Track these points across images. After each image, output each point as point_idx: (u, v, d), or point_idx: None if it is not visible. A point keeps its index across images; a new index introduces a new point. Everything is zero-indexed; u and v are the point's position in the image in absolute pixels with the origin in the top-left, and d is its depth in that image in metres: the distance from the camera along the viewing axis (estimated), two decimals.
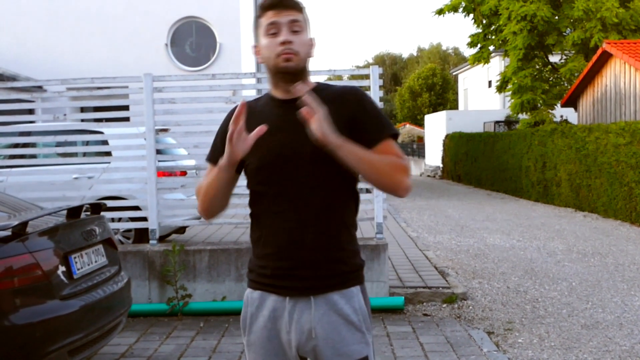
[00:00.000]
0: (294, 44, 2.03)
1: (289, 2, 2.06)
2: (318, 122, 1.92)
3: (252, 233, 2.19)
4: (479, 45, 21.88)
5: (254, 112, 2.13)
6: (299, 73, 2.08)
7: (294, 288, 2.08)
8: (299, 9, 2.08)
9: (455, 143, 25.00)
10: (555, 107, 19.59)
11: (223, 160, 2.01)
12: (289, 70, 2.05)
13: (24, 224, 3.56)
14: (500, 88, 21.24)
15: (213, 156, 2.19)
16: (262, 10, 2.08)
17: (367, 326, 2.15)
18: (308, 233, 2.06)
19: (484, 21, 21.19)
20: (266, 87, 7.08)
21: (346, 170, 2.04)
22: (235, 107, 2.10)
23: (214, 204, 2.15)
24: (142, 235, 7.73)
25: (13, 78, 14.42)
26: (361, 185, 6.36)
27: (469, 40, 22.13)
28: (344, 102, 2.11)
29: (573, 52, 19.31)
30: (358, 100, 2.12)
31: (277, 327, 2.11)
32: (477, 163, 21.93)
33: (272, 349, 2.12)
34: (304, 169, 2.05)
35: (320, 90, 2.13)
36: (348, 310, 2.10)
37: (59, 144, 7.04)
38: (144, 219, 6.69)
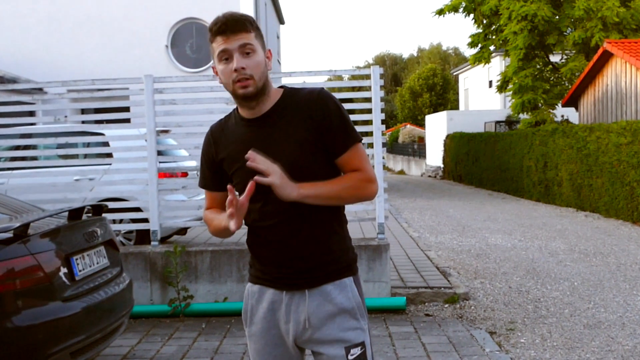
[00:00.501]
0: (247, 68, 2.07)
1: (236, 27, 2.07)
2: (277, 188, 2.01)
3: (247, 240, 2.29)
4: (479, 45, 21.86)
5: (227, 131, 2.24)
6: (259, 94, 2.12)
7: (291, 284, 2.19)
8: (247, 29, 2.08)
9: (456, 143, 24.99)
10: (556, 106, 19.57)
11: (226, 224, 2.06)
12: (247, 95, 2.10)
13: (26, 226, 3.55)
14: (501, 88, 21.22)
15: (205, 183, 2.32)
16: (211, 35, 2.11)
17: (362, 314, 2.23)
18: (297, 243, 2.16)
19: (485, 21, 21.18)
20: None
21: (324, 175, 2.13)
22: (209, 133, 2.29)
23: (223, 237, 2.27)
24: (143, 237, 7.73)
25: (14, 80, 14.43)
26: None
27: (469, 40, 22.11)
28: (310, 107, 2.15)
29: (574, 51, 19.30)
30: (324, 106, 2.15)
31: (276, 318, 2.22)
32: (478, 163, 21.92)
33: (272, 338, 2.23)
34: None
35: (288, 97, 2.19)
36: (342, 299, 2.19)
37: (60, 146, 7.03)
38: (146, 220, 6.68)
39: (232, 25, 2.06)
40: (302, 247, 2.16)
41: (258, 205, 2.15)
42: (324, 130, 2.13)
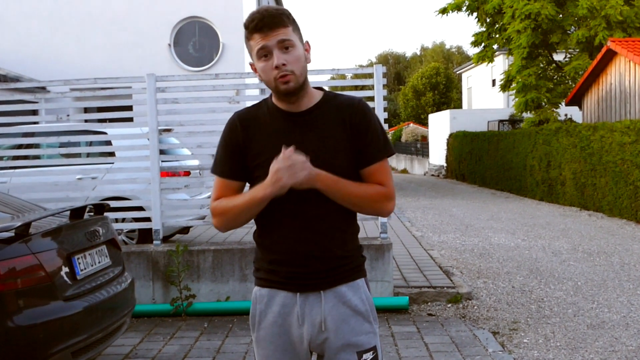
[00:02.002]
0: (288, 64, 2.04)
1: (273, 22, 2.03)
2: (302, 176, 1.99)
3: (258, 237, 2.22)
4: (482, 44, 21.83)
5: (258, 121, 2.17)
6: (300, 89, 2.09)
7: (304, 285, 2.14)
8: (285, 24, 2.05)
9: (459, 142, 24.95)
10: (560, 105, 19.53)
11: (270, 190, 2.00)
12: (289, 91, 2.07)
13: (27, 225, 3.54)
14: (505, 87, 21.18)
15: (222, 170, 2.19)
16: (248, 32, 2.06)
17: (374, 317, 2.22)
18: (315, 240, 2.12)
19: (488, 20, 21.14)
20: None
21: (347, 177, 2.11)
22: (236, 118, 2.19)
23: (243, 223, 2.18)
24: (145, 236, 7.72)
25: (16, 79, 14.44)
26: None
27: (472, 39, 22.08)
28: (351, 113, 2.15)
29: (577, 50, 19.25)
30: (364, 114, 2.16)
31: (288, 322, 2.15)
32: (481, 162, 21.88)
33: (282, 344, 2.16)
34: None
35: (329, 99, 2.18)
36: (356, 301, 2.17)
37: (62, 145, 7.03)
38: (148, 219, 6.68)
39: (269, 21, 2.02)
40: (321, 248, 2.12)
41: (280, 201, 2.08)
42: (361, 137, 2.14)
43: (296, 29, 2.09)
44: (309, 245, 2.11)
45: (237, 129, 2.17)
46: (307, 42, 2.14)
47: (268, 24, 2.02)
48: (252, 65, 2.15)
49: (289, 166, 1.96)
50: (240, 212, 2.11)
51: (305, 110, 2.13)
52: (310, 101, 2.15)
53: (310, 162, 2.01)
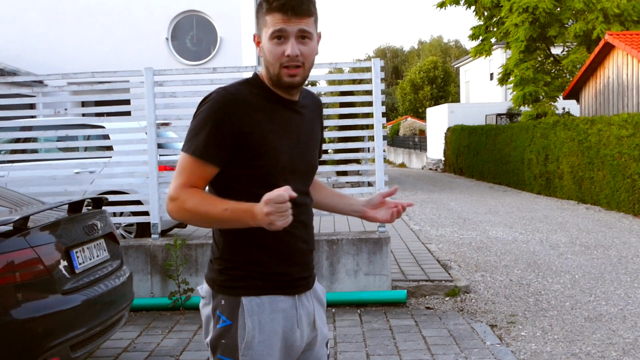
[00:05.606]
0: (301, 56, 1.90)
1: (300, 9, 1.88)
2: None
3: (250, 239, 1.96)
4: (480, 38, 21.80)
5: (253, 104, 1.93)
6: (303, 83, 1.98)
7: (302, 286, 2.06)
8: (310, 13, 1.90)
9: (457, 136, 24.96)
10: (558, 99, 19.53)
11: (258, 224, 1.78)
12: (293, 85, 1.94)
13: (25, 219, 3.54)
14: (502, 80, 21.16)
15: (207, 153, 1.89)
16: (268, 7, 1.89)
17: None
18: (310, 237, 2.09)
19: (486, 13, 21.11)
20: None
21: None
22: (230, 97, 1.91)
23: (202, 226, 1.97)
24: (144, 230, 7.72)
25: (14, 73, 14.40)
26: (363, 178, 6.32)
27: (470, 32, 22.04)
28: (321, 109, 2.20)
29: (575, 43, 19.23)
30: (321, 107, 2.22)
31: (288, 328, 2.00)
32: (479, 156, 21.89)
33: (284, 353, 2.02)
34: (305, 176, 2.06)
35: (306, 91, 2.14)
36: (321, 293, 2.16)
37: (60, 139, 7.02)
38: (146, 213, 6.67)
39: (296, 5, 1.86)
40: (311, 242, 2.07)
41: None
42: (322, 134, 2.21)
43: (317, 18, 1.95)
44: (307, 243, 2.05)
45: (233, 109, 1.90)
46: (319, 33, 1.99)
47: (294, 8, 1.86)
48: (256, 37, 1.97)
49: (285, 210, 1.75)
50: (212, 222, 1.89)
51: (298, 100, 2.03)
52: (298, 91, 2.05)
53: (304, 153, 2.02)
